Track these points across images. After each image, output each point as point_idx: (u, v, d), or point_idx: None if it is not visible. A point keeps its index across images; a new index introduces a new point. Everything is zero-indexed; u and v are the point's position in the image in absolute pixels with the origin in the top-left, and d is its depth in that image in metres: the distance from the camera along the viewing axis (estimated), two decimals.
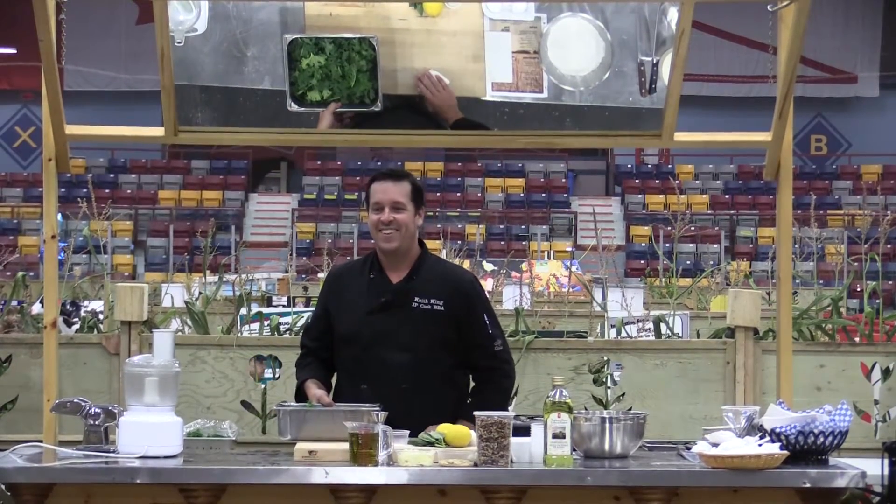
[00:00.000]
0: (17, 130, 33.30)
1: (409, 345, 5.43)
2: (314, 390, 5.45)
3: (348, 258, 26.25)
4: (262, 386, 6.80)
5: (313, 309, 6.11)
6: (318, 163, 32.39)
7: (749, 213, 30.42)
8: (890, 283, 25.22)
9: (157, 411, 4.99)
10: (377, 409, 5.05)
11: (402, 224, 5.48)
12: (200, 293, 9.59)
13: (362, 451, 4.76)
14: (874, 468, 5.95)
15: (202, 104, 5.78)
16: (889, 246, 25.43)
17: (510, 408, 6.70)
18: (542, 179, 32.12)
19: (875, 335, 7.17)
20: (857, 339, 7.19)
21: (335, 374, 5.66)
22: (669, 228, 10.35)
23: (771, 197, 28.28)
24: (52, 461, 4.92)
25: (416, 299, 5.46)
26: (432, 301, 5.46)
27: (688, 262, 23.78)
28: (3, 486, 4.91)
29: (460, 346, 5.52)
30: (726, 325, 6.97)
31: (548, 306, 10.73)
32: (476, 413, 4.87)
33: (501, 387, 5.61)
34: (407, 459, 4.78)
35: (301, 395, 5.53)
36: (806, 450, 4.90)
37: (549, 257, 21.58)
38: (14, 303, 7.50)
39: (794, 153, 6.00)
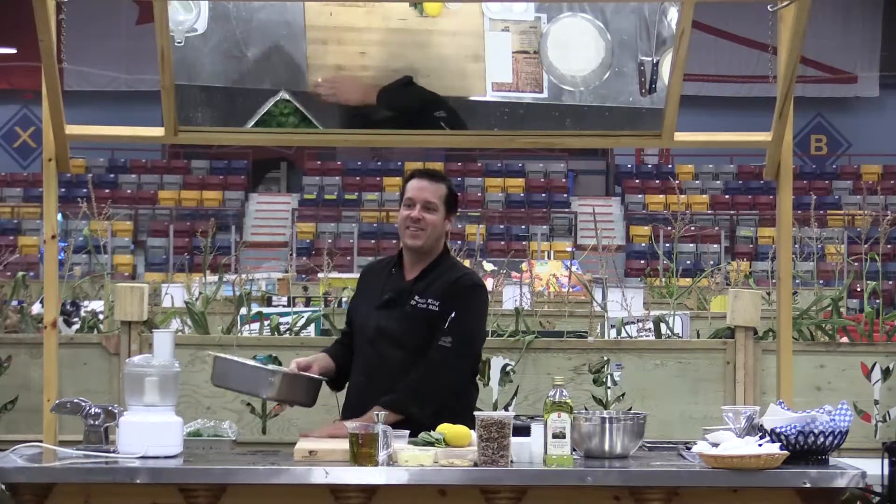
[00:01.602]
0: (17, 130, 33.30)
1: (401, 342, 5.48)
2: (306, 358, 5.60)
3: (348, 258, 26.31)
4: None
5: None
6: (318, 163, 32.39)
7: (749, 213, 30.42)
8: (890, 283, 25.22)
9: (157, 411, 4.99)
10: (280, 370, 5.46)
11: (430, 224, 5.51)
12: (200, 293, 9.59)
13: (362, 451, 4.76)
14: (874, 468, 5.95)
15: (202, 104, 5.78)
16: (889, 246, 25.43)
17: (511, 408, 6.72)
18: (542, 179, 32.12)
19: (875, 335, 7.17)
20: (857, 339, 7.20)
21: None
22: (669, 228, 10.35)
23: (771, 197, 28.28)
24: (52, 461, 4.92)
25: (416, 298, 5.50)
26: (429, 301, 5.48)
27: (688, 262, 23.78)
28: (3, 486, 4.91)
29: None
30: (726, 325, 6.97)
31: (548, 306, 10.73)
32: (476, 413, 4.88)
33: (426, 374, 5.40)
34: (407, 459, 4.78)
35: None
36: (806, 450, 4.90)
37: (549, 257, 21.58)
38: (14, 303, 7.50)
39: (794, 153, 6.00)
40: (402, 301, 5.52)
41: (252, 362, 5.75)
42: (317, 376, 5.55)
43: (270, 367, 5.66)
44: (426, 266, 5.57)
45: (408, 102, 5.81)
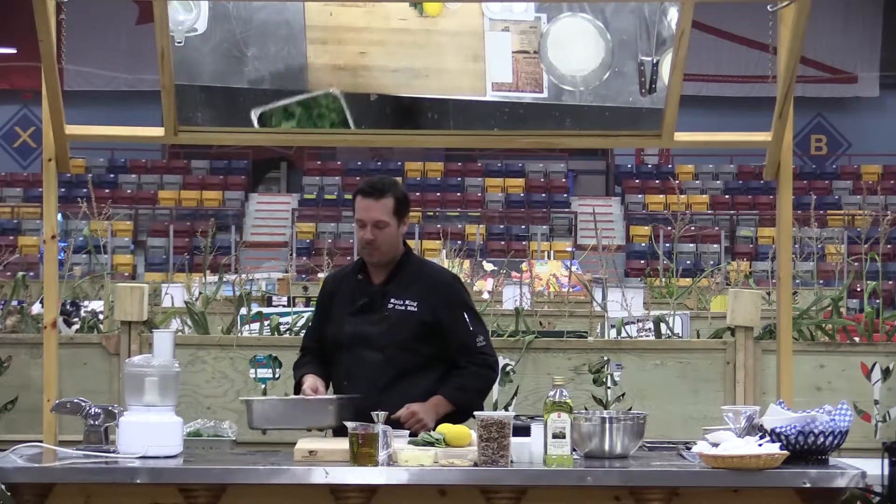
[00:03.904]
0: (17, 130, 33.30)
1: (380, 345, 5.49)
2: (309, 381, 5.50)
3: (348, 258, 26.31)
4: (262, 386, 6.80)
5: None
6: (318, 163, 32.39)
7: (749, 213, 30.41)
8: (890, 283, 25.21)
9: (157, 411, 4.99)
10: (356, 398, 5.23)
11: (384, 241, 5.50)
12: (200, 293, 9.60)
13: (362, 451, 4.76)
14: (874, 468, 5.95)
15: (202, 104, 5.78)
16: (889, 246, 25.42)
17: (511, 408, 6.72)
18: (542, 179, 32.12)
19: (875, 335, 7.17)
20: (857, 339, 7.19)
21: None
22: (669, 228, 10.35)
23: (771, 197, 28.27)
24: (52, 461, 4.92)
25: (392, 300, 5.51)
26: (406, 302, 5.49)
27: (688, 262, 23.77)
28: (3, 486, 4.91)
29: (438, 346, 5.52)
30: (726, 325, 6.98)
31: (548, 306, 10.73)
32: (476, 413, 4.87)
33: (481, 373, 5.55)
34: (407, 459, 4.78)
35: (299, 391, 5.56)
36: (806, 450, 4.90)
37: (549, 257, 21.59)
38: (14, 303, 7.51)
39: (794, 153, 6.00)
40: (378, 306, 5.52)
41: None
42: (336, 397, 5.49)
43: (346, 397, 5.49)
44: (393, 269, 5.57)
45: None
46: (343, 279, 5.69)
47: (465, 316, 5.54)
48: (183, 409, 5.44)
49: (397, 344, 5.47)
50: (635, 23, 5.68)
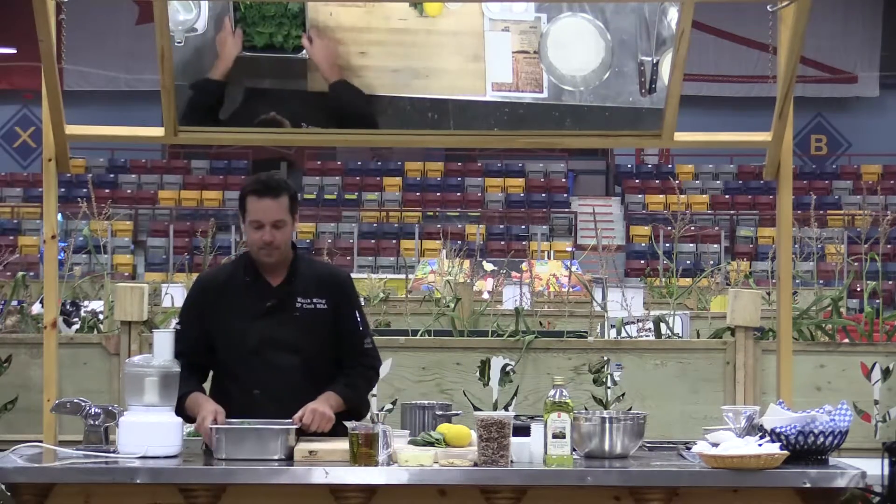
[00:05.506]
0: (17, 130, 33.29)
1: (295, 346, 5.34)
2: (209, 405, 5.22)
3: (349, 258, 26.30)
4: None
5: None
6: (318, 163, 32.39)
7: (749, 213, 30.40)
8: (890, 283, 25.21)
9: (157, 411, 5.00)
10: (293, 425, 5.02)
11: (283, 241, 5.35)
12: None
13: (362, 451, 4.76)
14: (874, 468, 5.96)
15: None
16: (889, 246, 25.42)
17: (511, 408, 6.72)
18: (542, 179, 32.11)
19: (875, 335, 7.18)
20: (857, 339, 7.20)
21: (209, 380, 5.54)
22: (669, 228, 10.36)
23: (771, 197, 28.27)
24: (52, 461, 4.92)
25: (299, 300, 5.36)
26: (314, 300, 5.37)
27: (688, 262, 23.74)
28: (3, 486, 4.91)
29: (336, 342, 5.43)
30: (726, 325, 6.98)
31: (548, 306, 10.74)
32: (476, 413, 4.87)
33: (367, 375, 5.48)
34: (407, 459, 4.79)
35: (183, 406, 5.24)
36: (806, 450, 4.90)
37: (549, 257, 21.59)
38: (14, 303, 7.51)
39: (794, 153, 6.00)
40: (284, 307, 5.36)
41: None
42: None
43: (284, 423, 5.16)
44: (290, 268, 5.41)
45: (353, 107, 5.79)
46: (227, 282, 5.44)
47: (357, 315, 5.45)
48: None
49: (313, 344, 5.35)
50: (635, 23, 5.68)
